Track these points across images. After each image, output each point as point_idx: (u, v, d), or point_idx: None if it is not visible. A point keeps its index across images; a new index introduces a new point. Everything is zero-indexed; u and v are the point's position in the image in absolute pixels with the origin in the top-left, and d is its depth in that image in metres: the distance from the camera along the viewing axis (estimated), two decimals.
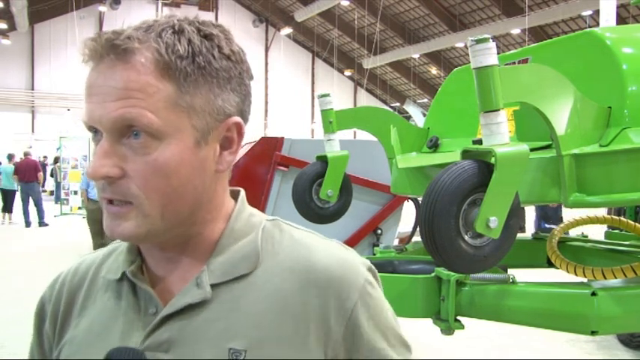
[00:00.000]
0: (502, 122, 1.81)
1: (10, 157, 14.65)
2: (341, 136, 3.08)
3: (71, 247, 9.44)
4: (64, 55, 29.93)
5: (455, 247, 1.80)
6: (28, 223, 13.37)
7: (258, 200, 4.91)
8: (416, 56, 31.64)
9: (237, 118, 0.76)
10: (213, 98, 0.73)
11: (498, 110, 1.80)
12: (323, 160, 2.97)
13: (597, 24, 17.35)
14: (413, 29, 30.65)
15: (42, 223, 13.48)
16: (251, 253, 0.76)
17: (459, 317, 2.38)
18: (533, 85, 1.97)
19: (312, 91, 36.80)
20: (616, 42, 2.33)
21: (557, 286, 2.26)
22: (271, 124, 33.90)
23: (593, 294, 2.06)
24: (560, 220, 9.44)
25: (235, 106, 0.76)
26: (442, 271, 2.38)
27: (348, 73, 37.47)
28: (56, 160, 18.80)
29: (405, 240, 3.73)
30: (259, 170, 5.08)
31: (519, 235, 2.16)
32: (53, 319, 0.85)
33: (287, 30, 33.55)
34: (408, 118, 27.86)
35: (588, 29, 2.60)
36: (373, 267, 0.80)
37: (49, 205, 15.43)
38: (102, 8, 30.66)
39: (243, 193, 0.84)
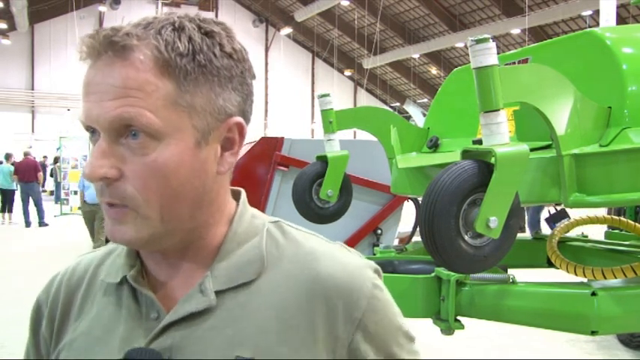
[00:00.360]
0: (502, 122, 1.81)
1: (8, 156, 14.63)
2: (341, 136, 3.08)
3: (71, 247, 9.43)
4: (64, 55, 29.93)
5: (455, 247, 1.80)
6: (28, 223, 13.37)
7: (258, 200, 4.91)
8: (416, 56, 31.65)
9: (239, 119, 0.74)
10: (214, 97, 0.71)
11: (498, 110, 1.80)
12: (323, 160, 2.97)
13: (597, 24, 17.35)
14: (413, 29, 30.65)
15: (42, 223, 13.48)
16: (256, 259, 0.74)
17: (459, 317, 2.38)
18: (533, 85, 1.97)
19: (312, 91, 36.80)
20: (616, 42, 2.33)
21: (557, 286, 2.25)
22: (271, 124, 33.90)
23: (593, 294, 2.06)
24: (537, 222, 9.48)
25: (237, 106, 0.73)
26: (442, 271, 2.38)
27: (348, 73, 37.47)
28: (56, 160, 18.80)
29: (405, 240, 3.73)
30: (259, 170, 5.07)
31: (519, 235, 2.16)
32: (50, 321, 0.83)
33: (287, 30, 33.56)
34: (408, 118, 27.86)
35: (588, 29, 2.60)
36: (378, 267, 0.78)
37: (49, 205, 15.43)
38: (102, 8, 30.67)
39: (244, 194, 0.82)
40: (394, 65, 34.21)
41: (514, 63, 2.70)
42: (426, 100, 34.74)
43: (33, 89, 30.79)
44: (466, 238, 1.82)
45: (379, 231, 5.42)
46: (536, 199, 2.23)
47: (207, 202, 0.73)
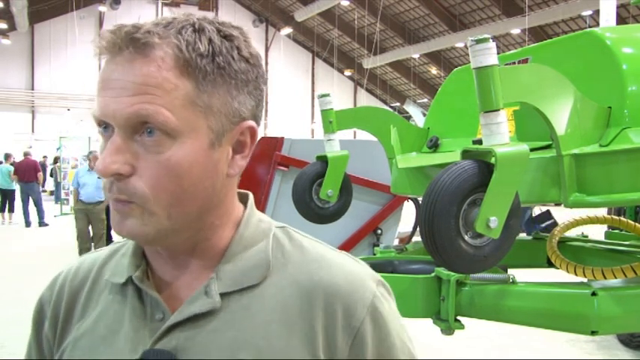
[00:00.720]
0: (502, 122, 1.81)
1: (7, 156, 14.64)
2: (341, 136, 3.08)
3: (71, 247, 9.41)
4: (64, 55, 29.95)
5: (455, 247, 1.80)
6: (28, 223, 13.38)
7: (258, 200, 4.91)
8: (416, 56, 31.65)
9: (252, 122, 0.74)
10: (230, 100, 0.71)
11: (498, 110, 1.80)
12: (323, 160, 2.97)
13: (597, 24, 17.35)
14: (413, 29, 30.65)
15: (42, 223, 13.49)
16: (261, 263, 0.74)
17: (459, 317, 2.38)
18: (533, 85, 1.97)
19: (312, 91, 36.82)
20: (616, 42, 2.33)
21: (557, 286, 2.25)
22: (271, 124, 33.90)
23: (593, 294, 2.06)
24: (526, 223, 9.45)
25: (250, 110, 0.74)
26: (442, 271, 2.38)
27: (348, 73, 37.48)
28: (56, 160, 18.81)
29: (405, 240, 3.73)
30: (259, 170, 5.08)
31: (519, 235, 2.16)
32: (53, 321, 0.83)
33: (287, 30, 33.57)
34: (408, 118, 27.86)
35: (588, 29, 2.60)
36: (384, 281, 0.78)
37: (49, 205, 15.44)
38: (102, 8, 30.68)
39: (252, 197, 0.82)
40: (394, 65, 34.22)
41: (514, 63, 2.70)
42: (426, 100, 34.74)
43: (33, 89, 30.80)
44: (466, 238, 1.82)
45: (379, 231, 5.43)
46: (536, 199, 2.23)
47: (215, 203, 0.74)
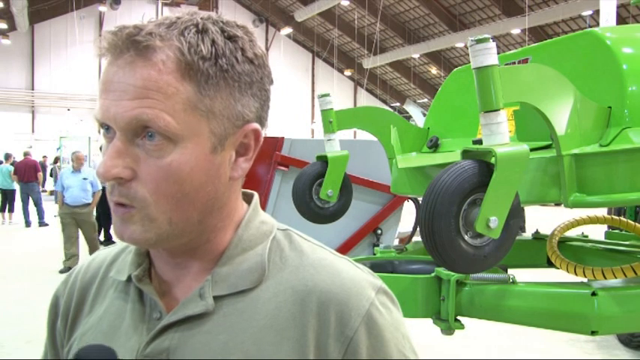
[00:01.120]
0: (502, 122, 1.81)
1: (7, 156, 14.64)
2: (341, 136, 3.08)
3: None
4: (64, 55, 29.95)
5: (455, 247, 1.80)
6: (28, 223, 13.38)
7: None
8: (416, 56, 31.65)
9: (256, 125, 0.73)
10: (234, 103, 0.70)
11: (498, 110, 1.80)
12: (323, 160, 2.97)
13: (597, 24, 17.35)
14: (413, 29, 30.65)
15: (42, 223, 13.49)
16: (257, 267, 0.73)
17: (459, 317, 2.38)
18: (534, 85, 1.97)
19: (312, 91, 36.81)
20: (616, 42, 2.33)
21: (557, 286, 2.25)
22: (271, 124, 33.80)
23: (593, 294, 2.06)
24: None
25: (254, 112, 0.73)
26: (442, 271, 2.38)
27: (348, 73, 37.47)
28: (56, 160, 18.82)
29: (405, 240, 3.73)
30: (259, 170, 5.08)
31: (519, 235, 2.16)
32: (65, 315, 0.84)
33: (287, 30, 33.57)
34: (408, 118, 27.86)
35: (588, 29, 2.60)
36: (387, 289, 0.75)
37: (48, 205, 15.43)
38: (102, 8, 30.66)
39: (256, 197, 0.81)
40: (394, 65, 34.22)
41: (514, 63, 2.70)
42: (426, 100, 34.75)
43: (33, 89, 30.79)
44: (466, 238, 1.82)
45: (379, 231, 5.43)
46: (536, 199, 2.23)
47: (217, 206, 0.73)
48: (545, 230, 3.30)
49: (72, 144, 16.33)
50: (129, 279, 0.77)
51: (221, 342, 0.69)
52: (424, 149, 3.03)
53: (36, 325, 5.04)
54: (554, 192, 2.14)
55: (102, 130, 0.70)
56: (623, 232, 3.36)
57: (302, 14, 30.12)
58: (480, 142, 1.91)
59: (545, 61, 2.50)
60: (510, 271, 2.45)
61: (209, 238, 0.74)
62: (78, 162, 8.25)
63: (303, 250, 0.77)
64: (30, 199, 13.38)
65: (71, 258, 7.96)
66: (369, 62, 31.98)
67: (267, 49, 35.89)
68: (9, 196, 14.02)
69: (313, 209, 2.99)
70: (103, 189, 9.69)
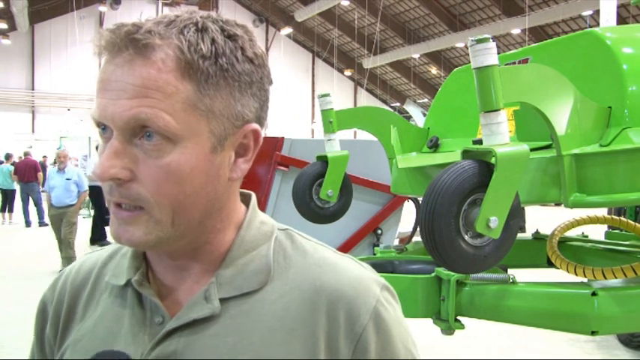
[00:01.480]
0: (502, 122, 1.81)
1: (8, 156, 14.63)
2: (341, 136, 3.08)
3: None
4: (64, 55, 29.96)
5: (455, 247, 1.80)
6: (28, 223, 13.38)
7: (258, 200, 4.88)
8: (416, 56, 31.65)
9: (256, 125, 0.72)
10: (234, 103, 0.69)
11: (498, 110, 1.80)
12: (323, 160, 2.97)
13: (597, 24, 17.35)
14: (413, 29, 30.65)
15: (42, 223, 13.48)
16: (262, 268, 0.73)
17: (459, 317, 2.38)
18: (534, 85, 1.97)
19: (312, 91, 36.81)
20: (616, 42, 2.33)
21: (557, 286, 2.25)
22: (271, 124, 33.90)
23: (593, 294, 2.06)
24: None
25: (254, 112, 0.72)
26: (442, 271, 2.38)
27: (348, 73, 37.47)
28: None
29: (405, 240, 3.73)
30: (259, 170, 5.08)
31: (519, 235, 2.16)
32: (55, 321, 0.82)
33: (287, 30, 33.57)
34: (408, 118, 27.86)
35: (588, 29, 2.60)
36: (389, 285, 0.76)
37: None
38: (102, 8, 30.68)
39: (254, 198, 0.80)
40: (394, 65, 34.22)
41: (514, 63, 2.70)
42: (426, 100, 34.75)
43: (33, 89, 30.81)
44: (466, 238, 1.82)
45: (379, 231, 5.43)
46: (537, 199, 2.23)
47: (217, 207, 0.72)
48: (545, 230, 3.30)
49: (72, 144, 16.32)
50: (126, 283, 0.76)
51: (229, 344, 0.69)
52: (424, 149, 3.03)
53: None
54: (554, 192, 2.14)
55: (98, 130, 0.69)
56: (623, 232, 3.36)
57: (302, 14, 30.12)
58: (480, 142, 1.91)
59: (545, 61, 2.50)
60: (510, 271, 2.45)
61: (208, 239, 0.73)
62: (60, 161, 7.82)
63: (306, 249, 0.77)
64: (30, 199, 13.38)
65: (70, 262, 7.84)
66: (369, 62, 31.97)
67: (267, 49, 35.89)
68: (9, 196, 14.02)
69: (313, 209, 2.99)
70: (96, 188, 9.65)
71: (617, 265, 2.28)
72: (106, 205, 0.70)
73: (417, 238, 3.26)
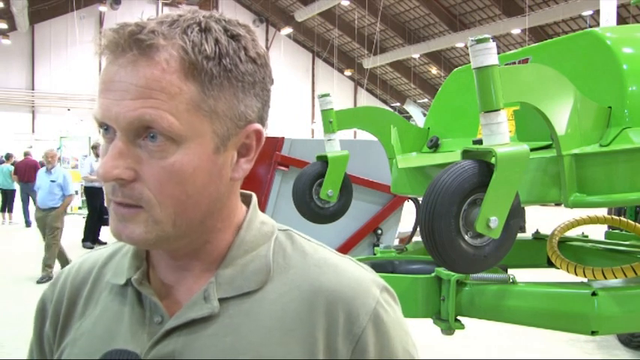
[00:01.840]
0: (502, 122, 1.81)
1: (8, 156, 14.62)
2: (341, 136, 3.08)
3: (71, 246, 9.41)
4: (64, 55, 29.96)
5: (455, 247, 1.80)
6: (28, 223, 13.37)
7: (259, 200, 4.89)
8: (416, 56, 31.66)
9: (258, 125, 0.72)
10: (237, 103, 0.69)
11: (498, 110, 1.80)
12: (323, 160, 2.97)
13: (597, 24, 17.35)
14: (413, 29, 30.66)
15: None
16: (262, 268, 0.73)
17: (459, 317, 2.38)
18: (534, 85, 1.97)
19: (312, 91, 36.82)
20: (616, 42, 2.33)
21: (557, 286, 2.25)
22: (271, 124, 33.76)
23: (593, 294, 2.06)
24: None
25: (256, 112, 0.72)
26: (442, 271, 2.38)
27: (348, 73, 37.48)
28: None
29: (406, 240, 3.73)
30: (259, 170, 5.08)
31: (519, 235, 2.16)
32: (54, 320, 0.82)
33: (287, 30, 33.58)
34: (408, 118, 27.85)
35: (588, 29, 2.60)
36: (389, 287, 0.76)
37: None
38: (102, 8, 30.68)
39: (255, 198, 0.80)
40: (394, 65, 34.23)
41: (514, 63, 2.70)
42: (426, 100, 34.75)
43: (33, 89, 30.81)
44: (466, 238, 1.82)
45: (379, 231, 5.43)
46: (537, 199, 2.23)
47: (218, 207, 0.72)
48: (545, 230, 3.30)
49: (72, 144, 16.31)
50: (126, 283, 0.76)
51: (228, 344, 0.69)
52: (424, 149, 3.03)
53: None
54: (555, 192, 2.14)
55: (101, 130, 0.69)
56: (623, 232, 3.36)
57: (302, 14, 30.12)
58: (480, 142, 1.91)
59: (545, 61, 2.50)
60: (510, 271, 2.45)
61: (209, 239, 0.73)
62: (48, 161, 7.46)
63: (306, 250, 0.77)
64: (30, 199, 13.37)
65: (49, 269, 7.23)
66: (369, 62, 31.98)
67: (267, 49, 35.52)
68: (9, 196, 14.01)
69: (313, 209, 2.99)
70: (91, 189, 9.56)
71: (617, 265, 2.28)
72: (105, 204, 0.70)
73: (417, 238, 3.26)
